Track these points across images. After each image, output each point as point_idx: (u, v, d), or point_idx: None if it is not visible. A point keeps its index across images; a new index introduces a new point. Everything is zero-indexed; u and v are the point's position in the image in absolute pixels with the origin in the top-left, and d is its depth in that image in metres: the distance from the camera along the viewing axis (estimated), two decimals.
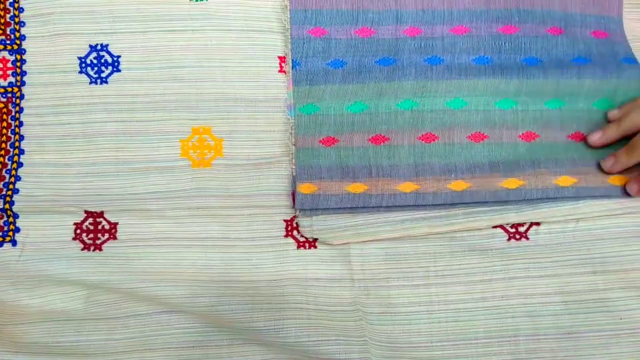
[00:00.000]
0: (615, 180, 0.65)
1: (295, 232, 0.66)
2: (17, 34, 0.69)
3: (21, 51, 0.69)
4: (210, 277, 0.65)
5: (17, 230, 0.65)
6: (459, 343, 0.62)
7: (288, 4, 0.69)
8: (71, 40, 0.69)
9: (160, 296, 0.63)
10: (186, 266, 0.65)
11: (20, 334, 0.62)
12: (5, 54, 0.69)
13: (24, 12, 0.70)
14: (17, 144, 0.67)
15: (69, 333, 0.62)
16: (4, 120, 0.68)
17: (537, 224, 0.65)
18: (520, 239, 0.65)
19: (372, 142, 0.66)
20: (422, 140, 0.66)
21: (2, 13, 0.70)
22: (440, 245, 0.65)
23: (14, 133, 0.68)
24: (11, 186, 0.66)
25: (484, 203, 0.64)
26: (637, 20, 0.72)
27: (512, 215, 0.64)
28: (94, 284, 0.64)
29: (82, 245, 0.65)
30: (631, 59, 0.70)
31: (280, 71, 0.69)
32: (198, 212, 0.66)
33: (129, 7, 0.69)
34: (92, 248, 0.65)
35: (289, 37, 0.69)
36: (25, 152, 0.67)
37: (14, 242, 0.65)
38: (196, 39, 0.69)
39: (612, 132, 0.66)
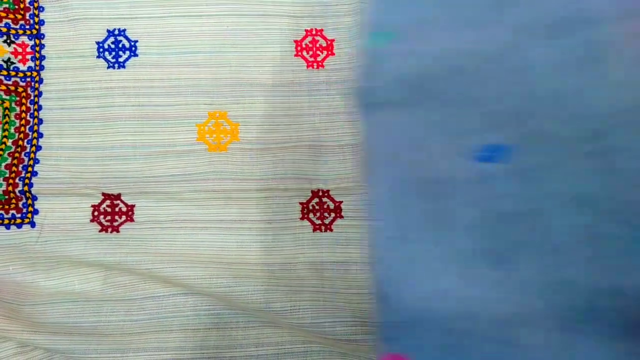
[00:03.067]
0: None
1: (311, 215, 0.67)
2: (37, 19, 0.70)
3: (40, 36, 0.70)
4: (227, 259, 0.65)
5: (36, 212, 0.66)
6: None
7: None
8: (90, 25, 0.69)
9: (178, 277, 0.64)
10: (203, 248, 0.65)
11: (38, 314, 0.63)
12: (25, 38, 0.70)
13: None
14: (35, 127, 0.68)
15: (88, 314, 0.62)
16: (23, 104, 0.69)
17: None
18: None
19: None
20: None
21: None
22: None
23: (33, 117, 0.68)
24: (30, 169, 0.67)
25: None
26: None
27: None
28: (111, 264, 0.64)
29: (99, 227, 0.66)
30: None
31: (295, 55, 0.70)
32: (215, 195, 0.67)
33: None
34: (109, 230, 0.66)
35: None
36: (44, 136, 0.68)
37: (32, 224, 0.66)
38: (212, 24, 0.70)
39: None
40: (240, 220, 0.66)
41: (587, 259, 0.32)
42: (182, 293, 0.63)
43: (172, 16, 0.70)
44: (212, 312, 0.63)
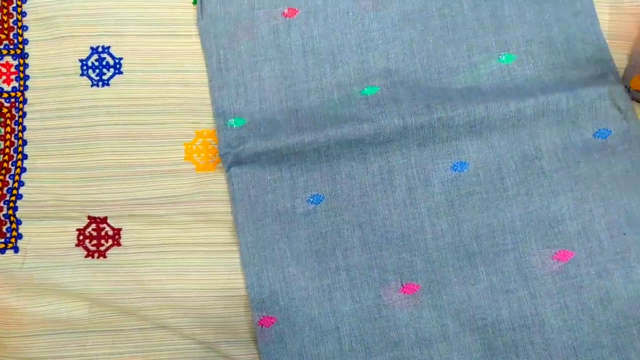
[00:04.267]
0: None
1: None
2: (20, 38, 0.68)
3: (24, 55, 0.68)
4: (217, 285, 0.62)
5: (20, 236, 0.64)
6: None
7: None
8: (74, 43, 0.67)
9: (168, 306, 0.62)
10: (192, 273, 0.63)
11: (24, 347, 0.61)
12: (9, 58, 0.68)
13: (27, 15, 0.69)
14: (20, 149, 0.66)
15: (73, 347, 0.60)
16: (7, 125, 0.67)
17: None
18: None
19: None
20: None
21: (5, 18, 0.69)
22: None
23: (17, 138, 0.66)
24: (15, 192, 0.65)
25: None
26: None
27: None
28: (99, 293, 0.62)
29: (85, 252, 0.64)
30: None
31: None
32: (203, 218, 0.64)
33: (134, 10, 0.68)
34: (96, 255, 0.63)
35: None
36: (29, 157, 0.66)
37: (15, 249, 0.64)
38: (200, 44, 0.68)
39: None
40: (230, 243, 0.64)
41: None
42: (171, 325, 0.61)
43: (159, 35, 0.68)
44: (202, 343, 0.61)
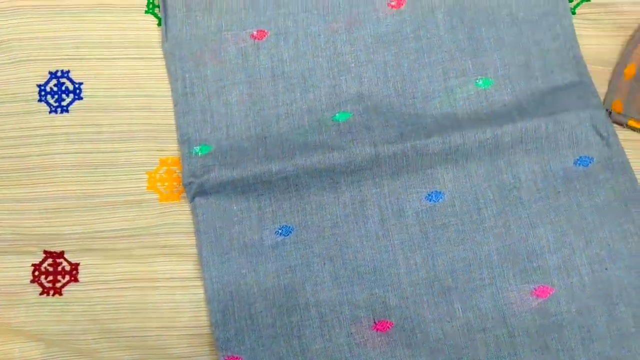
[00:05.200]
0: None
1: None
2: None
3: None
4: (180, 322, 0.59)
5: None
6: None
7: None
8: (32, 67, 0.64)
9: (126, 347, 0.58)
10: (152, 310, 0.59)
11: None
12: None
13: None
14: None
15: None
16: None
17: None
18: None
19: None
20: None
21: None
22: None
23: None
24: None
25: None
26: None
27: None
28: (54, 333, 0.59)
29: (40, 289, 0.60)
30: None
31: None
32: (166, 251, 0.61)
33: (95, 32, 0.65)
34: (51, 292, 0.60)
35: None
36: None
37: None
38: (165, 67, 0.65)
39: None
40: (194, 278, 0.60)
41: None
42: None
43: (119, 58, 0.65)
44: None
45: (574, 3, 0.68)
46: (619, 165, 0.61)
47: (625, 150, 0.62)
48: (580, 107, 0.62)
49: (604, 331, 0.56)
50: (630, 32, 0.67)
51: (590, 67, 0.66)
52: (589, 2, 0.67)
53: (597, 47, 0.67)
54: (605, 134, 0.62)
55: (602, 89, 0.66)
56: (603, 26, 0.67)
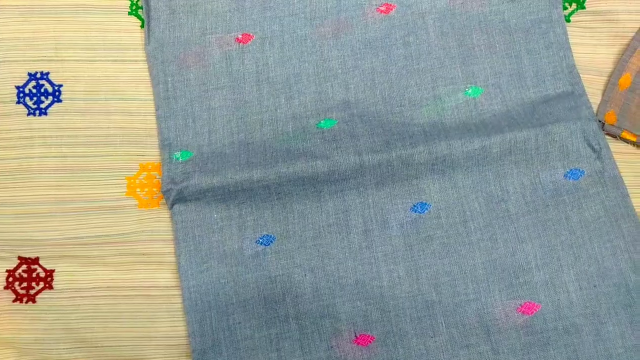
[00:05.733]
0: None
1: None
2: None
3: None
4: (157, 332, 0.58)
5: None
6: None
7: None
8: (10, 68, 0.63)
9: (99, 357, 0.57)
10: (127, 320, 0.58)
11: None
12: None
13: None
14: None
15: None
16: None
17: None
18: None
19: None
20: None
21: None
22: None
23: None
24: None
25: None
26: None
27: None
28: (27, 342, 0.57)
29: (14, 296, 0.59)
30: None
31: None
32: (144, 259, 0.59)
33: (75, 33, 0.64)
34: (24, 300, 0.59)
35: None
36: None
37: None
38: (146, 70, 0.63)
39: None
40: (172, 287, 0.59)
41: None
42: None
43: (100, 60, 0.63)
44: None
45: (569, 10, 0.66)
46: (611, 179, 0.59)
47: (618, 163, 0.60)
48: (572, 118, 0.60)
49: (591, 351, 0.55)
50: (625, 41, 0.65)
51: (585, 76, 0.64)
52: (584, 10, 0.66)
53: (592, 55, 0.65)
54: (597, 147, 0.60)
55: (596, 98, 0.64)
56: (598, 34, 0.66)
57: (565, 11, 0.66)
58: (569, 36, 0.64)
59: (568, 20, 0.66)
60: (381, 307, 0.57)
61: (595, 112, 0.63)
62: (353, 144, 0.59)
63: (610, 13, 0.65)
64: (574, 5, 0.66)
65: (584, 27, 0.66)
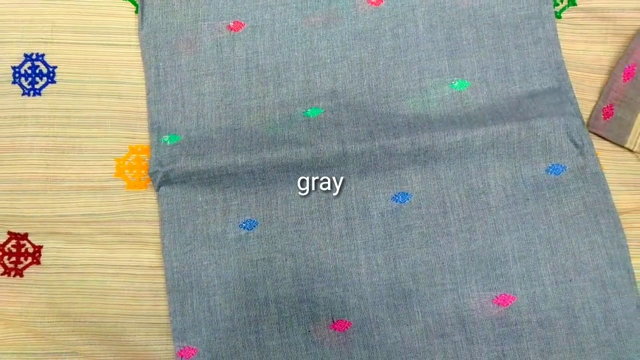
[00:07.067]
0: None
1: None
2: None
3: None
4: (139, 311, 0.59)
5: None
6: None
7: None
8: (7, 49, 0.64)
9: (82, 332, 0.58)
10: (112, 296, 0.59)
11: None
12: None
13: None
14: None
15: None
16: None
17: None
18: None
19: None
20: None
21: None
22: None
23: None
24: None
25: None
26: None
27: None
28: (12, 314, 0.59)
29: (2, 270, 0.60)
30: None
31: None
32: (130, 238, 0.61)
33: (70, 17, 0.65)
34: (12, 273, 0.60)
35: None
36: None
37: None
38: (139, 55, 0.64)
39: None
40: (156, 267, 0.60)
41: None
42: (83, 351, 0.58)
43: (95, 43, 0.65)
44: None
45: (560, 7, 0.66)
46: (592, 175, 0.59)
47: (601, 160, 0.60)
48: (556, 113, 0.60)
49: (563, 344, 0.55)
50: (617, 38, 0.65)
51: (576, 73, 0.64)
52: (575, 7, 0.66)
53: (583, 52, 0.65)
54: (580, 143, 0.60)
55: (585, 95, 0.64)
56: (590, 31, 0.66)
57: (556, 7, 0.66)
58: (559, 33, 0.65)
59: (559, 17, 0.66)
60: (359, 294, 0.58)
61: (591, 111, 0.63)
62: (337, 133, 0.60)
63: (602, 10, 0.65)
64: (565, 2, 0.66)
65: (575, 24, 0.66)
